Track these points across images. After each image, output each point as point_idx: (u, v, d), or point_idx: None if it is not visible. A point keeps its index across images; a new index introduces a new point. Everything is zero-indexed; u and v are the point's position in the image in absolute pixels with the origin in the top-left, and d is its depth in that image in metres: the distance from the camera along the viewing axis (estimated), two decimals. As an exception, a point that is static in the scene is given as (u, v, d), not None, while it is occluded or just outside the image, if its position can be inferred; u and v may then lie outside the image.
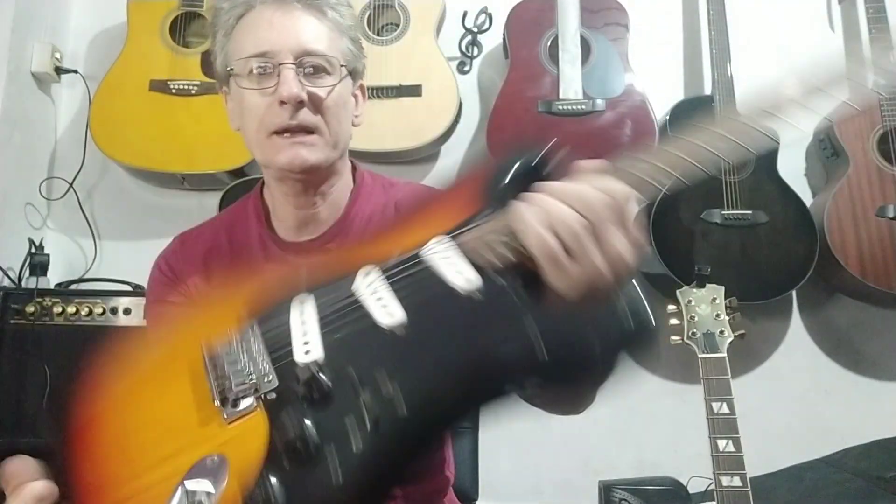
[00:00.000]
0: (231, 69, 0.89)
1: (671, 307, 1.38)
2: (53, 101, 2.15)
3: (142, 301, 1.74)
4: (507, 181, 0.64)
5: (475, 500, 1.52)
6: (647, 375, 2.03)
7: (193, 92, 1.95)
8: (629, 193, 0.57)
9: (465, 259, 0.58)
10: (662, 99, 1.95)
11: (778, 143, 0.54)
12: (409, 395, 0.51)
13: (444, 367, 0.54)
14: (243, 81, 0.88)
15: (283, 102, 0.85)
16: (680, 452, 1.91)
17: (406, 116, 1.91)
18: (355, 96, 0.97)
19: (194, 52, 1.99)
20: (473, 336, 0.55)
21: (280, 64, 0.86)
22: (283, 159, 0.88)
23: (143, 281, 1.85)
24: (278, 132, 0.87)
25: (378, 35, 1.98)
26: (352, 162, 1.03)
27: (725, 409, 1.26)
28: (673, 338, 1.36)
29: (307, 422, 0.53)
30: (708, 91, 1.98)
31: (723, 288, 1.37)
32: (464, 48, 2.15)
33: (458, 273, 0.56)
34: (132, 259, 2.02)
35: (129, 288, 1.86)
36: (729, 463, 1.22)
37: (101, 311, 1.71)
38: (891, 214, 1.78)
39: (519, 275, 0.57)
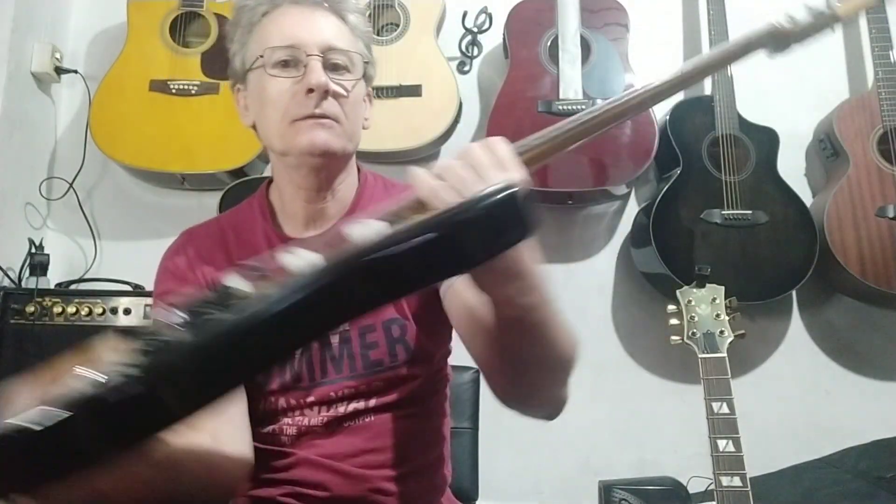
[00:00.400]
0: (260, 56, 0.92)
1: (671, 307, 1.38)
2: (53, 101, 2.15)
3: (142, 301, 1.74)
4: None
5: (475, 500, 1.52)
6: (647, 375, 2.03)
7: (193, 92, 1.95)
8: (501, 138, 0.66)
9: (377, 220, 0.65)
10: (662, 99, 1.95)
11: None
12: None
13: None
14: (270, 69, 0.91)
15: (310, 91, 0.89)
16: (680, 452, 1.91)
17: (406, 116, 1.91)
18: (365, 100, 1.00)
19: (194, 52, 1.99)
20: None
21: (308, 55, 0.90)
22: (304, 140, 0.90)
23: (144, 281, 1.87)
24: (301, 119, 0.90)
25: (378, 35, 1.98)
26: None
27: (725, 409, 1.25)
28: (673, 338, 1.36)
29: None
30: (708, 91, 1.98)
31: (723, 288, 1.37)
32: (464, 48, 2.15)
33: (366, 226, 0.63)
34: (132, 259, 2.01)
35: (129, 288, 1.86)
36: (729, 463, 1.22)
37: (101, 311, 1.72)
38: (891, 214, 1.78)
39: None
